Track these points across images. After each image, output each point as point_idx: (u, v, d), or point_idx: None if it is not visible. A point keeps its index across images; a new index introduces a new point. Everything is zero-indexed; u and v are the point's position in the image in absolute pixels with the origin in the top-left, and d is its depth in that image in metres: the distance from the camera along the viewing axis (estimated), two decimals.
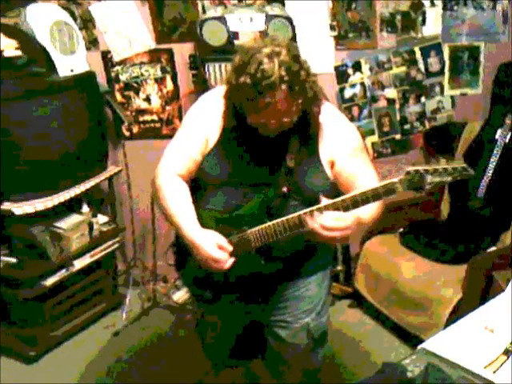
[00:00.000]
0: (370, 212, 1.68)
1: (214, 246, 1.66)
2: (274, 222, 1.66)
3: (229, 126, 1.74)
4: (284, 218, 1.64)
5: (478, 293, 2.53)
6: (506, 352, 1.43)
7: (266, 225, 1.67)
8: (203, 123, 1.79)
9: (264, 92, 1.52)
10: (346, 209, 1.57)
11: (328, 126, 1.74)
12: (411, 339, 2.70)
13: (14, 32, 2.76)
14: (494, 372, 1.36)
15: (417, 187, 1.47)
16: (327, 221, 1.57)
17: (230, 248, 1.68)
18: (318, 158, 1.74)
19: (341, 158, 1.74)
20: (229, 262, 1.67)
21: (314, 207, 1.60)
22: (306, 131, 1.71)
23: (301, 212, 1.62)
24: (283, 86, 1.52)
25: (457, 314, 2.44)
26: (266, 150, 1.73)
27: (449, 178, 1.47)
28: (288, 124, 1.64)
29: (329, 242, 1.64)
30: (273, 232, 1.66)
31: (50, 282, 2.86)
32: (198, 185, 1.82)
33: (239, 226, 1.72)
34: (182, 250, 1.81)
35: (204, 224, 1.72)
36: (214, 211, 1.77)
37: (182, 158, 1.80)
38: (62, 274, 2.92)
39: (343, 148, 1.74)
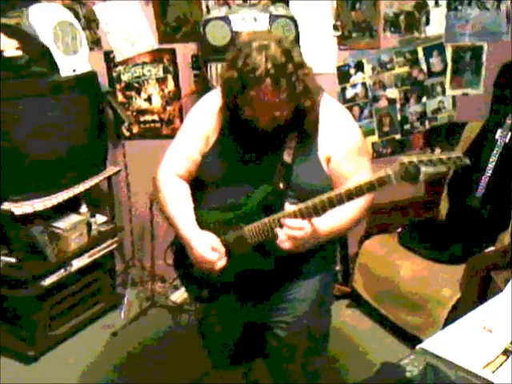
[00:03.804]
0: (331, 222, 1.66)
1: (207, 248, 1.67)
2: (270, 218, 1.64)
3: (225, 123, 1.74)
4: (280, 214, 1.61)
5: (477, 293, 2.52)
6: (505, 352, 1.42)
7: (262, 221, 1.65)
8: (203, 122, 1.79)
9: (250, 85, 1.53)
10: (339, 202, 1.53)
11: (327, 121, 1.72)
12: (410, 339, 2.69)
13: (15, 32, 2.76)
14: (493, 372, 1.36)
15: (411, 179, 1.42)
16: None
17: (223, 250, 1.69)
18: (315, 154, 1.71)
19: (335, 157, 1.71)
20: (220, 263, 1.68)
21: (309, 201, 1.56)
22: (303, 126, 1.69)
23: (295, 208, 1.59)
24: (268, 80, 1.52)
25: (455, 313, 2.44)
26: (263, 146, 1.72)
27: (444, 168, 1.42)
28: (281, 118, 1.63)
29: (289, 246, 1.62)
30: (269, 228, 1.64)
31: (48, 281, 2.85)
32: (198, 184, 1.82)
33: (237, 224, 1.71)
34: (181, 249, 1.80)
35: (204, 224, 1.72)
36: (213, 211, 1.77)
37: (182, 158, 1.81)
38: (61, 273, 2.91)
39: (339, 146, 1.71)
